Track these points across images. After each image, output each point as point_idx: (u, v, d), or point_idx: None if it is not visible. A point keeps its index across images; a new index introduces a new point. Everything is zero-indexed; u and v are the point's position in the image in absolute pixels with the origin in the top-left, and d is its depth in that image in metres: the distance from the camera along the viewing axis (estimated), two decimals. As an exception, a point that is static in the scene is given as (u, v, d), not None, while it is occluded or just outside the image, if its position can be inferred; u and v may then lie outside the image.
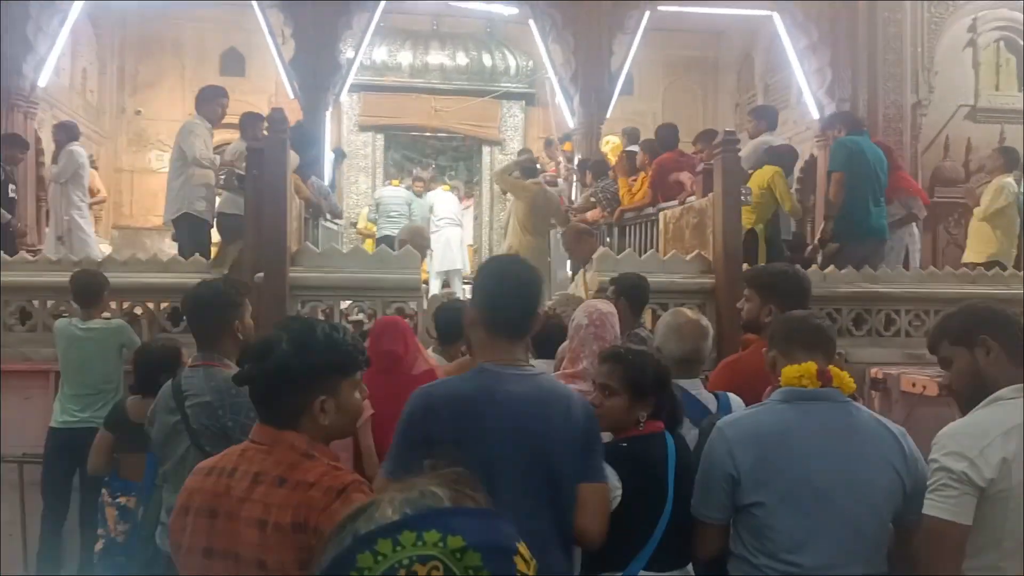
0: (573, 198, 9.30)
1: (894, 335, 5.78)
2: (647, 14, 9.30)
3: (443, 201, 10.75)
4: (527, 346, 2.29)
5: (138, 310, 5.41)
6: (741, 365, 2.97)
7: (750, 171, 6.03)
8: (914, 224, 7.13)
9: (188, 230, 6.21)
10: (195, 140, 6.13)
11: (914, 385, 4.96)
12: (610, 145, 9.04)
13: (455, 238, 10.35)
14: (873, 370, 5.50)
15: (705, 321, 2.85)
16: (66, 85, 10.46)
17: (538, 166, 9.78)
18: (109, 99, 11.88)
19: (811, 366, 2.09)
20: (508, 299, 2.07)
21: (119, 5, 10.50)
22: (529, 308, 2.09)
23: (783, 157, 6.42)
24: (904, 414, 4.94)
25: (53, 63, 8.87)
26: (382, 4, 9.24)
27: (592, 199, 7.93)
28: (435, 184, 11.49)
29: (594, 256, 5.42)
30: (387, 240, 8.86)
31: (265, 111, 6.32)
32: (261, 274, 4.72)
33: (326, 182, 8.09)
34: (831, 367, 2.12)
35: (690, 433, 2.49)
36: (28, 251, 5.99)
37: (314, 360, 1.74)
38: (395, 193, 10.10)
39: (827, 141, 8.17)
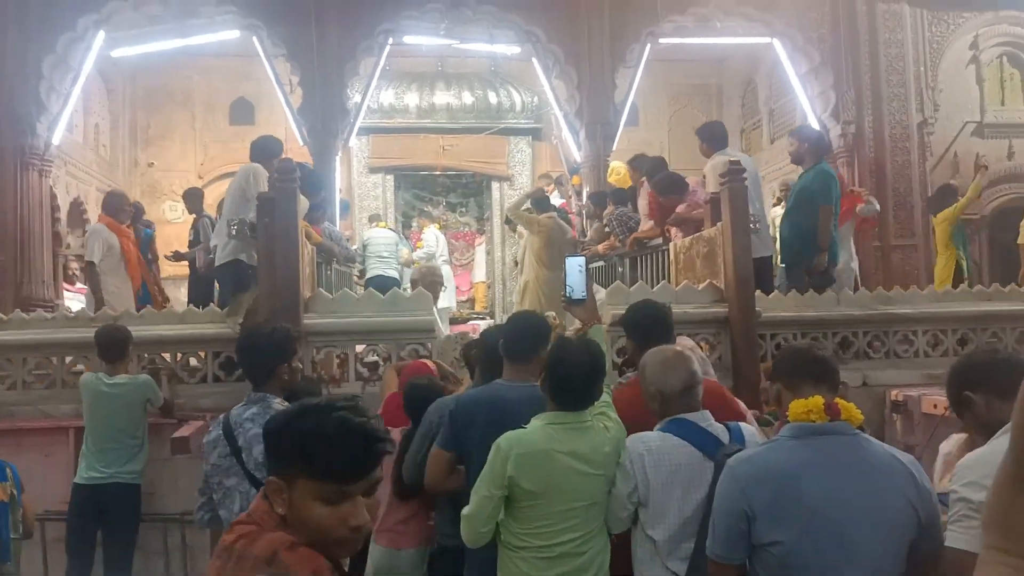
0: (584, 231, 9.34)
1: (912, 356, 5.74)
2: (648, 47, 9.40)
3: (441, 239, 10.98)
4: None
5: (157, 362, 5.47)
6: (624, 395, 2.97)
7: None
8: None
9: (235, 279, 5.96)
10: (261, 185, 5.93)
11: (935, 407, 4.91)
12: (614, 175, 9.09)
13: (450, 276, 10.53)
14: (893, 392, 5.45)
15: (684, 348, 2.84)
16: (79, 141, 10.66)
17: (551, 197, 9.89)
18: (122, 153, 12.08)
19: (818, 400, 2.08)
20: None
21: (129, 60, 10.70)
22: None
23: None
24: (926, 436, 4.88)
25: (66, 120, 9.04)
26: (387, 49, 9.39)
27: (606, 229, 7.95)
28: (427, 222, 11.63)
29: (607, 289, 5.43)
30: (376, 281, 8.90)
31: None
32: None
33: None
34: (838, 399, 2.11)
35: (704, 467, 2.48)
36: (45, 308, 6.04)
37: (281, 453, 1.51)
38: (382, 234, 10.17)
39: (832, 163, 8.19)
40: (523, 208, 8.57)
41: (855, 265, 7.18)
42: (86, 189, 10.76)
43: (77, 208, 10.52)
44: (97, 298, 6.64)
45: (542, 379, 2.71)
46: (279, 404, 2.92)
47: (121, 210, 7.19)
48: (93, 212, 10.92)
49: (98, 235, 6.87)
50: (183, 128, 12.44)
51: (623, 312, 3.49)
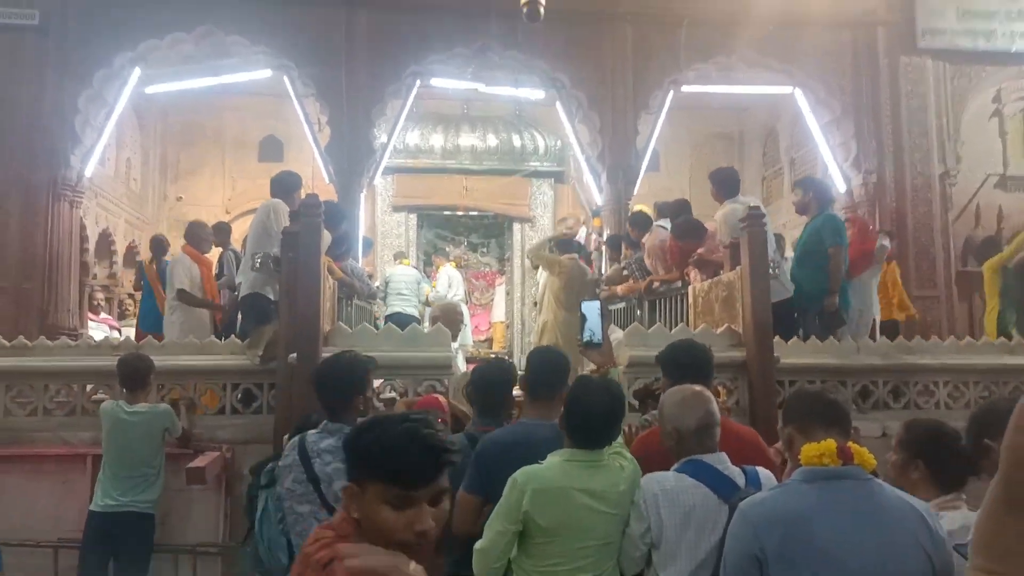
0: (603, 271, 9.36)
1: (933, 408, 5.66)
2: (671, 94, 9.50)
3: (455, 278, 11.10)
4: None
5: (175, 394, 5.50)
6: (650, 439, 2.95)
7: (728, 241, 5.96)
8: None
9: (257, 311, 6.01)
10: (282, 220, 6.06)
11: (956, 459, 4.83)
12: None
13: (466, 314, 10.55)
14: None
15: (703, 388, 2.82)
16: (111, 174, 10.88)
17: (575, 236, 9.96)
18: (152, 186, 12.30)
19: (831, 444, 2.06)
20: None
21: (162, 96, 10.94)
22: None
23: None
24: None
25: (99, 154, 9.24)
26: (414, 91, 9.55)
27: (624, 271, 7.97)
28: (443, 261, 11.77)
29: (625, 331, 5.42)
30: (395, 318, 8.98)
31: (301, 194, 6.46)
32: (295, 355, 4.78)
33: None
34: (851, 443, 2.09)
35: (719, 510, 2.46)
36: (69, 337, 6.12)
37: (355, 460, 1.61)
38: (404, 272, 10.27)
39: (853, 217, 8.19)
40: (545, 250, 8.62)
41: (875, 314, 7.10)
42: (115, 221, 10.96)
43: (106, 239, 10.70)
44: (215, 307, 7.09)
45: (561, 416, 2.71)
46: None
47: (203, 240, 7.45)
48: (121, 243, 11.12)
49: (182, 264, 7.07)
50: (212, 164, 12.66)
51: (642, 352, 3.50)
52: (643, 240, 7.49)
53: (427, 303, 10.06)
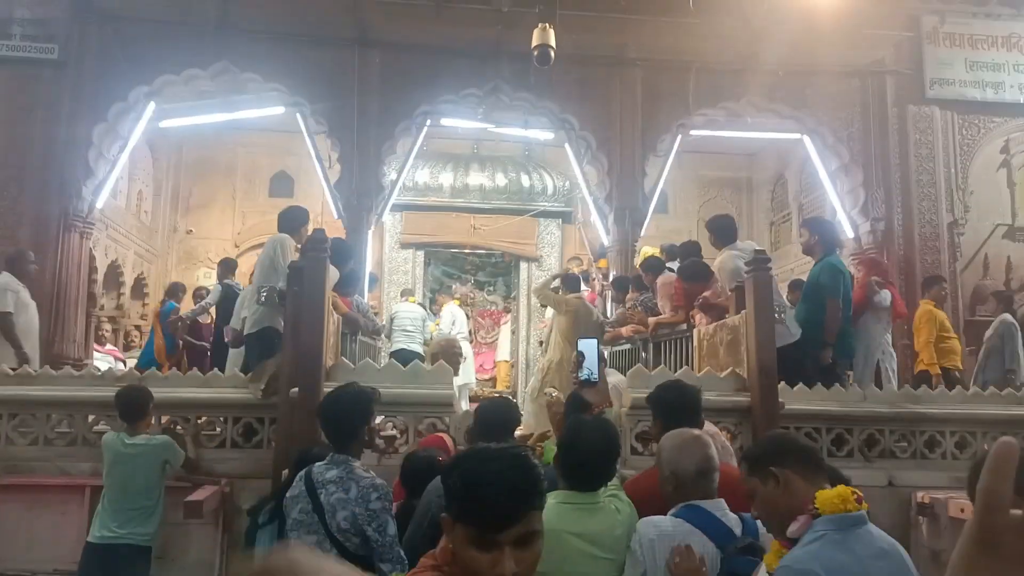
0: (608, 313, 9.37)
1: (940, 458, 5.60)
2: (679, 138, 9.60)
3: (458, 315, 11.13)
4: None
5: (179, 427, 5.50)
6: (642, 484, 2.93)
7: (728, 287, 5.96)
8: (888, 340, 6.99)
9: (262, 345, 6.01)
10: (288, 255, 6.13)
11: (963, 511, 4.77)
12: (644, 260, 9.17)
13: (469, 352, 10.65)
14: (920, 494, 5.31)
15: (702, 433, 2.80)
16: (122, 206, 10.99)
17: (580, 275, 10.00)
18: (162, 219, 12.42)
19: (847, 490, 2.04)
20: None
21: (176, 131, 11.11)
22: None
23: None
24: (954, 541, 4.72)
25: (111, 186, 9.35)
26: (424, 130, 9.68)
27: (630, 312, 7.97)
28: (446, 299, 11.78)
29: (628, 372, 5.41)
30: (399, 355, 9.01)
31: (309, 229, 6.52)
32: (296, 389, 4.78)
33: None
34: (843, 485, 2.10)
35: (716, 557, 2.43)
36: (74, 367, 6.13)
37: (447, 493, 1.59)
38: (409, 309, 10.32)
39: (863, 257, 8.18)
40: (551, 288, 8.66)
41: (890, 362, 6.97)
42: (124, 253, 11.04)
43: (114, 271, 10.78)
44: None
45: (555, 457, 2.70)
46: (360, 468, 3.05)
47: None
48: (130, 275, 11.20)
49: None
50: (223, 198, 12.79)
51: (645, 395, 3.48)
52: (656, 283, 7.48)
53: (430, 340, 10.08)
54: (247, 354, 6.21)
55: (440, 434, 4.28)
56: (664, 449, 2.67)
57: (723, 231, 6.41)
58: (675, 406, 3.19)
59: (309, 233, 5.90)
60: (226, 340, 7.14)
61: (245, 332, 6.11)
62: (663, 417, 3.20)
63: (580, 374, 3.18)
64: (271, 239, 6.32)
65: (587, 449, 2.62)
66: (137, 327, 11.43)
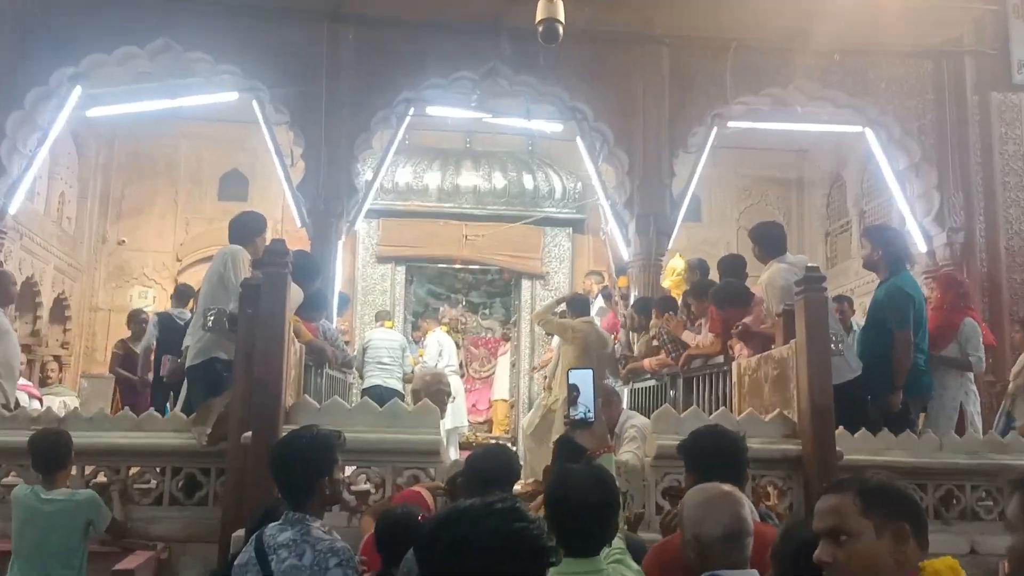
0: (632, 342, 9.37)
1: (1032, 519, 5.56)
2: (715, 130, 9.63)
3: (446, 344, 11.11)
4: None
5: (103, 477, 5.48)
6: (667, 549, 2.93)
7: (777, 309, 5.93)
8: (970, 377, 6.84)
9: (208, 381, 5.95)
10: (241, 270, 6.06)
11: (1061, 584, 4.74)
12: (673, 275, 9.19)
13: (459, 389, 10.69)
14: (1007, 564, 5.27)
15: (729, 487, 2.77)
16: (40, 211, 11.03)
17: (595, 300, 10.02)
18: (89, 227, 12.45)
19: (954, 562, 2.05)
20: None
21: (107, 121, 11.16)
22: None
23: None
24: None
25: (27, 187, 9.36)
26: (407, 121, 9.72)
27: (655, 342, 7.97)
28: (432, 324, 11.77)
29: (653, 414, 5.41)
30: (374, 391, 8.99)
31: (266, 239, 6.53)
32: (249, 434, 4.77)
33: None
34: None
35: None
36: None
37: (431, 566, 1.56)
38: (385, 336, 10.32)
39: (939, 274, 8.14)
40: (555, 312, 8.67)
41: (974, 403, 6.91)
42: (42, 267, 11.07)
43: (30, 289, 10.78)
44: None
45: (545, 517, 2.69)
46: (319, 529, 3.03)
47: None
48: (48, 294, 11.21)
49: None
50: (163, 202, 12.84)
51: (674, 441, 3.47)
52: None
53: (408, 381, 10.05)
54: (189, 391, 6.20)
55: (417, 488, 4.26)
56: (686, 507, 2.66)
57: (770, 241, 6.41)
58: (713, 457, 3.17)
59: (267, 244, 5.92)
60: (161, 373, 7.11)
61: (187, 364, 6.09)
62: (698, 470, 3.18)
63: (573, 412, 3.15)
64: (221, 251, 6.32)
65: (578, 504, 2.61)
66: (56, 357, 11.43)
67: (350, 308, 11.50)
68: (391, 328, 10.91)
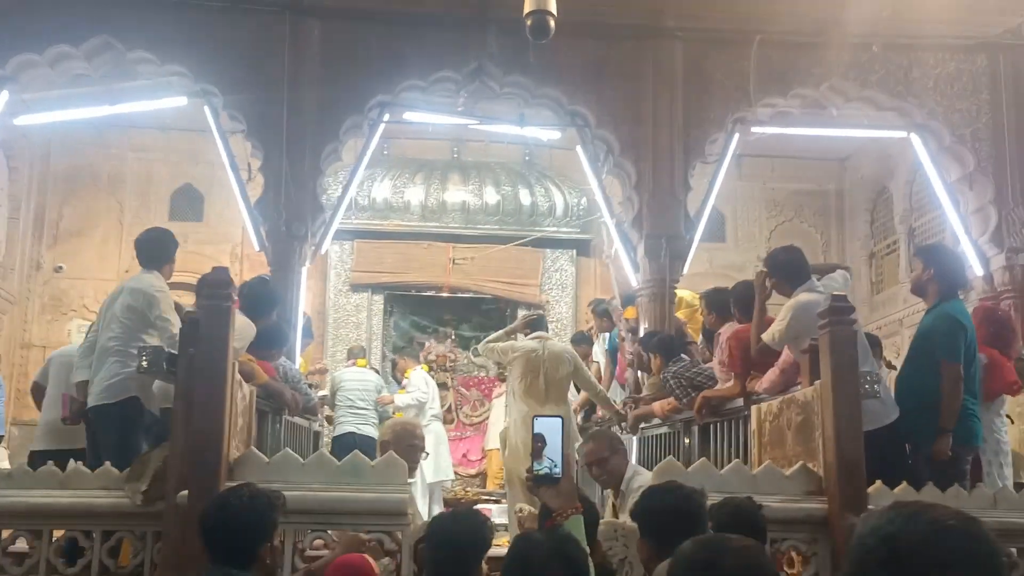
0: (641, 383, 9.33)
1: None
2: (736, 137, 9.62)
3: (427, 385, 11.13)
4: None
5: (23, 543, 5.46)
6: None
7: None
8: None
9: (126, 422, 6.08)
10: (163, 300, 6.23)
11: None
12: (683, 309, 9.17)
13: (442, 436, 10.84)
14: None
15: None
16: (-37, 234, 11.06)
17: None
18: (21, 252, 12.49)
19: None
20: None
21: (41, 131, 11.23)
22: None
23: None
24: None
25: (-53, 206, 9.42)
26: (381, 128, 9.72)
27: (664, 387, 7.94)
28: (410, 362, 11.77)
29: (655, 468, 5.37)
30: (345, 440, 9.00)
31: (229, 265, 6.54)
32: (185, 493, 4.75)
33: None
34: None
35: None
36: None
37: None
38: (358, 377, 10.33)
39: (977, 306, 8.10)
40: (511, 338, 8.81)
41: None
42: (-36, 299, 11.09)
43: (-50, 323, 10.81)
44: None
45: None
46: None
47: None
48: (-29, 329, 11.22)
49: None
50: (107, 223, 12.88)
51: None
52: (720, 330, 7.43)
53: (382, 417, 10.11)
54: (97, 435, 6.24)
55: (358, 553, 4.22)
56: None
57: (789, 269, 6.35)
58: (668, 518, 3.21)
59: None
60: (63, 417, 7.06)
61: (94, 403, 6.14)
62: (653, 535, 3.22)
63: (537, 467, 3.05)
64: (132, 281, 6.43)
65: None
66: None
67: (315, 342, 11.45)
68: (364, 366, 10.90)
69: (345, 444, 8.84)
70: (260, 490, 3.36)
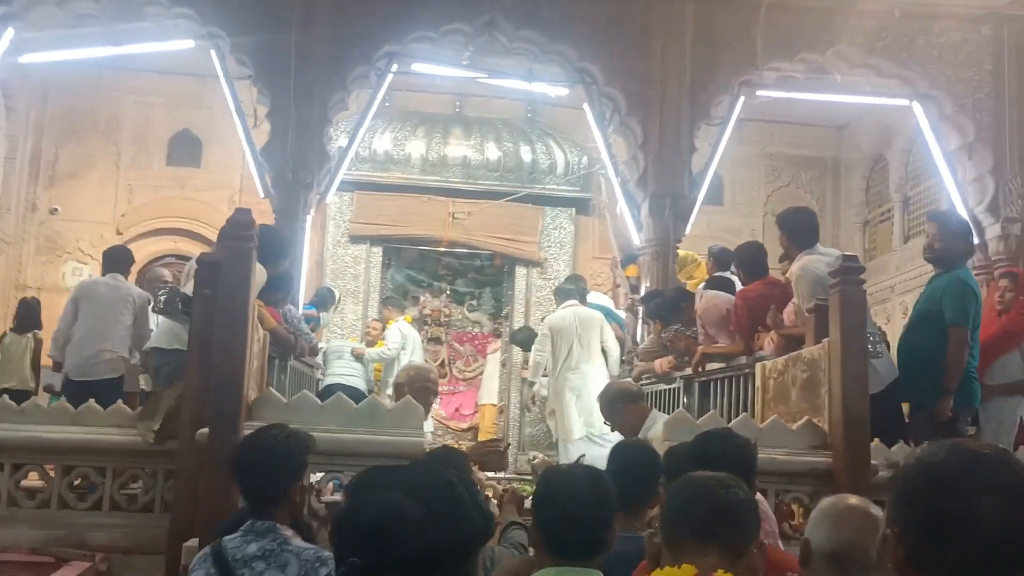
0: (637, 338, 9.43)
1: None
2: (741, 100, 9.66)
3: (411, 338, 11.23)
4: None
5: (35, 477, 5.52)
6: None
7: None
8: None
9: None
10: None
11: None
12: (683, 269, 9.28)
13: None
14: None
15: (876, 510, 2.81)
16: (-41, 175, 11.00)
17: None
18: (17, 192, 12.39)
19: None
20: None
21: (42, 70, 11.13)
22: None
23: None
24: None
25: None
26: (388, 79, 9.73)
27: (667, 343, 8.03)
28: (394, 312, 11.79)
29: (665, 420, 5.46)
30: (332, 391, 9.08)
31: (226, 213, 6.57)
32: (206, 430, 4.81)
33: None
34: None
35: None
36: None
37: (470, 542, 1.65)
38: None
39: (1004, 270, 8.17)
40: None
41: None
42: (-44, 240, 11.06)
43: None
44: None
45: (532, 524, 2.80)
46: (295, 538, 3.12)
47: None
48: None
49: None
50: (104, 166, 12.80)
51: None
52: (697, 289, 7.60)
53: (357, 358, 10.23)
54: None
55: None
56: (816, 511, 2.77)
57: (801, 230, 6.45)
58: (720, 465, 3.22)
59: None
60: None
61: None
62: None
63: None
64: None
65: (570, 505, 2.72)
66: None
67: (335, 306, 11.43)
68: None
69: (332, 395, 8.93)
70: (293, 430, 3.43)
